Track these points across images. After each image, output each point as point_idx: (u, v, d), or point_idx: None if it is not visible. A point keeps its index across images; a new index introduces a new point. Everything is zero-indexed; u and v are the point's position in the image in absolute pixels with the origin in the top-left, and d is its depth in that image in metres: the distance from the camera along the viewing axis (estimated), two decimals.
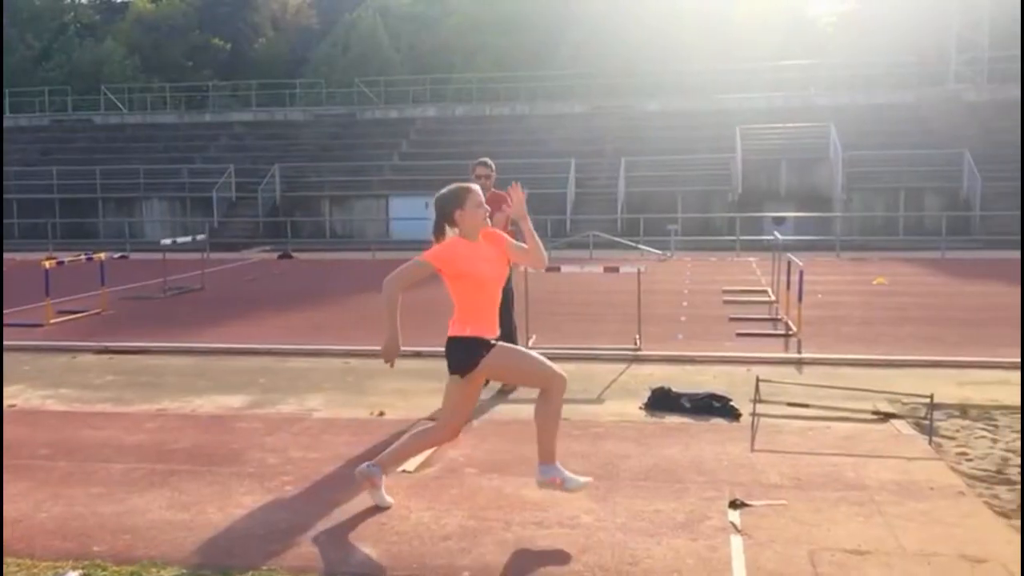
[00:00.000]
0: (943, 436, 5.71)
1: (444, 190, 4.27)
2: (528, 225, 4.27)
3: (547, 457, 4.25)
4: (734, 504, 4.42)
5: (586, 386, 7.16)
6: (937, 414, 6.00)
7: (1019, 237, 19.29)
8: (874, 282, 14.20)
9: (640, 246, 21.06)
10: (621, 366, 7.94)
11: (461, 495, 4.64)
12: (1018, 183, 23.06)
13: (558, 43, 38.44)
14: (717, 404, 6.28)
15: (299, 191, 28.66)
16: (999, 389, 6.88)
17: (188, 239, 16.90)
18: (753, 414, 5.94)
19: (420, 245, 4.80)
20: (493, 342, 4.21)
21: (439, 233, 4.26)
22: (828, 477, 4.87)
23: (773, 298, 11.95)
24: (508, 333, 7.16)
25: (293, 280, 16.47)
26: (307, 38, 50.31)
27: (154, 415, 6.44)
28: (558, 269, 9.51)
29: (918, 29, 33.40)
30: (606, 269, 10.00)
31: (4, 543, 4.00)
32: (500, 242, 4.32)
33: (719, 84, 31.32)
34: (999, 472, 5.08)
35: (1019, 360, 7.60)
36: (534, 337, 8.78)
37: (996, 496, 4.68)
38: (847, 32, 38.83)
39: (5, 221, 27.90)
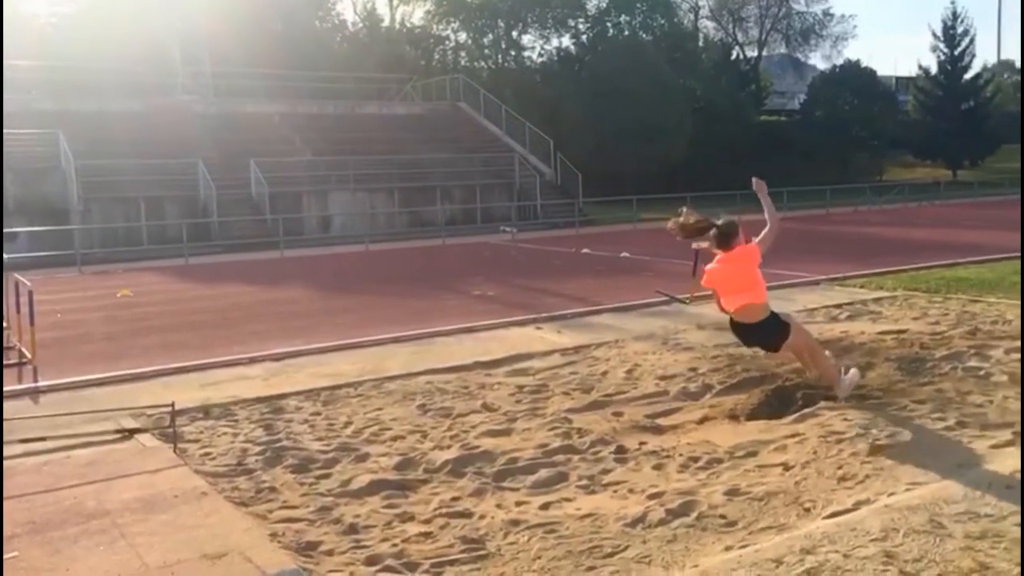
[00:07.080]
0: (188, 441, 5.84)
1: (724, 222, 5.80)
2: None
3: (835, 380, 5.92)
4: None
5: None
6: (181, 420, 6.11)
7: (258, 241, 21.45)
8: (119, 294, 13.90)
9: None
10: None
11: None
12: (248, 190, 25.49)
13: None
14: None
15: None
16: (238, 385, 7.36)
17: None
18: None
19: None
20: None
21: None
22: (68, 512, 4.53)
23: (4, 324, 10.72)
24: None
25: None
26: None
27: None
28: None
29: (145, 40, 33.71)
30: None
31: None
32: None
33: None
34: (240, 464, 5.40)
35: None
36: None
37: (237, 488, 4.96)
38: (71, 35, 37.02)
39: None
